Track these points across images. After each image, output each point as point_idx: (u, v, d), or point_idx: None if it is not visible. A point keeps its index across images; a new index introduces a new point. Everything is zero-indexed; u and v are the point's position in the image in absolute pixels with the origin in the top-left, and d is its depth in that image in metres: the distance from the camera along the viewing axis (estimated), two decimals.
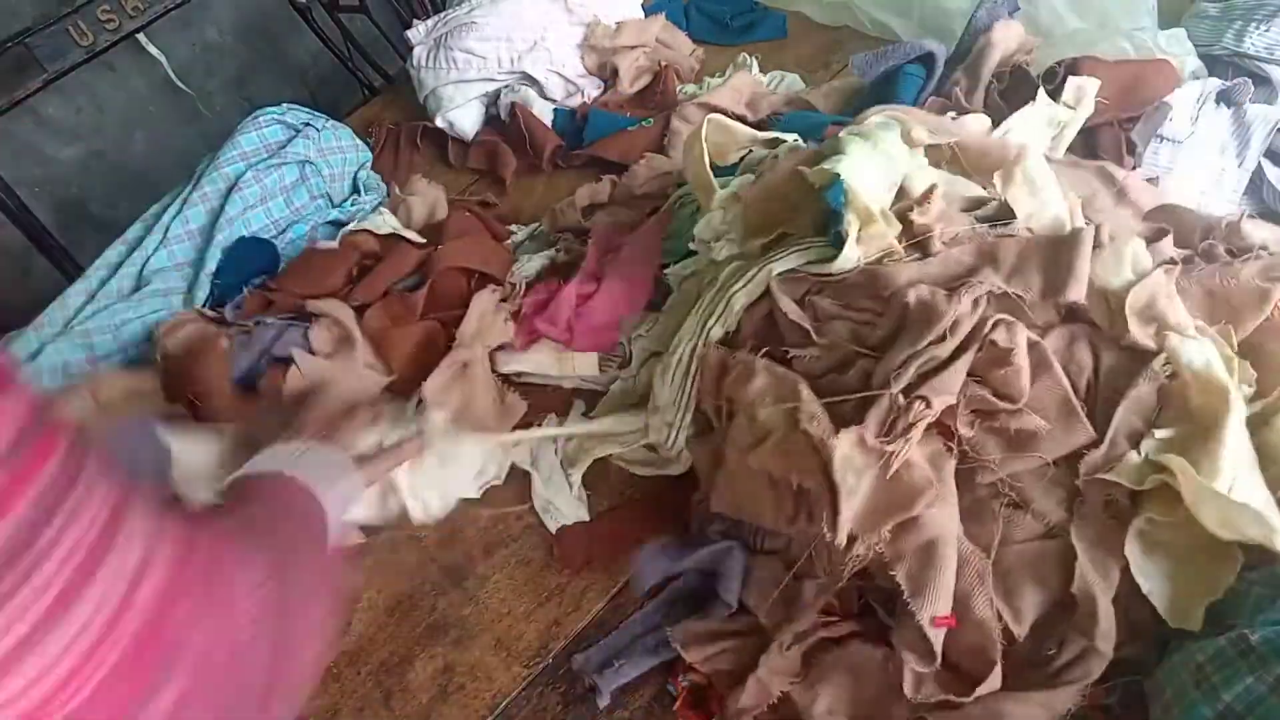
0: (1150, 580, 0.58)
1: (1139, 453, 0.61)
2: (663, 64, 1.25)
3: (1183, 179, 0.89)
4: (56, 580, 0.29)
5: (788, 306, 0.72)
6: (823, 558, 0.64)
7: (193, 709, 0.33)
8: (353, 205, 1.19)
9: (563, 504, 0.83)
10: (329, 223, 1.16)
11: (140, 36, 1.55)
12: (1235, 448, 0.60)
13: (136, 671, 0.31)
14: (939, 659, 0.57)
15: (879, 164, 0.70)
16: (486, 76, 1.26)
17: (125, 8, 1.39)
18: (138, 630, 0.31)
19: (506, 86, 1.28)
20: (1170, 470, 0.59)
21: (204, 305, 1.04)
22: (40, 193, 1.69)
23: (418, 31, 1.28)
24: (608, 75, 1.27)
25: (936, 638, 0.57)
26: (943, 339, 0.63)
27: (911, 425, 0.61)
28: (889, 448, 0.60)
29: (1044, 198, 0.74)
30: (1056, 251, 0.67)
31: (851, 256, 0.69)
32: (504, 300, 0.95)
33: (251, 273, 1.05)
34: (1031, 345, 0.64)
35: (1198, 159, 0.89)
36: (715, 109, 1.11)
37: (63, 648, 0.29)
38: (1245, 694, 0.50)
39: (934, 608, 0.57)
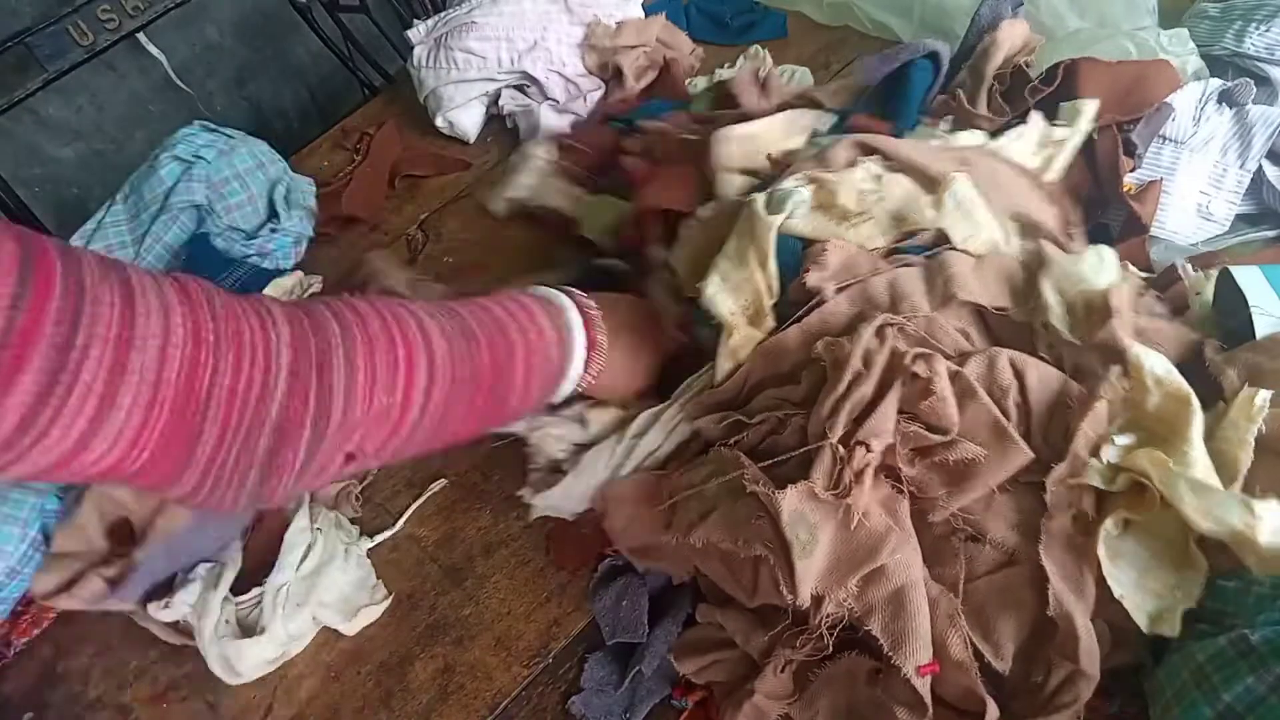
0: (1121, 586, 0.58)
1: (1100, 460, 0.61)
2: (667, 57, 1.25)
3: (1185, 180, 0.88)
4: (96, 384, 0.34)
5: (706, 425, 0.74)
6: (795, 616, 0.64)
7: (231, 443, 0.39)
8: (270, 232, 1.09)
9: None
10: (251, 268, 1.06)
11: (140, 36, 1.55)
12: (1203, 450, 0.60)
13: (181, 426, 0.37)
14: (930, 709, 0.57)
15: (736, 281, 0.74)
16: (487, 76, 1.26)
17: (125, 7, 1.40)
18: (174, 397, 0.37)
19: (507, 87, 1.28)
20: (1139, 469, 0.59)
21: None
22: (40, 193, 1.69)
23: (418, 31, 1.27)
24: (609, 75, 1.27)
25: (924, 687, 0.56)
26: (860, 377, 0.63)
27: (860, 473, 0.60)
28: (846, 500, 0.60)
29: (975, 220, 0.75)
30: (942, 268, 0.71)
31: (725, 367, 0.73)
32: None
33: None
34: (953, 375, 0.64)
35: (1200, 160, 0.89)
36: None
37: (118, 429, 0.36)
38: (1245, 694, 0.50)
39: (916, 658, 0.56)
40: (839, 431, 0.62)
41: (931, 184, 0.79)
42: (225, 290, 0.41)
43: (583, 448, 0.80)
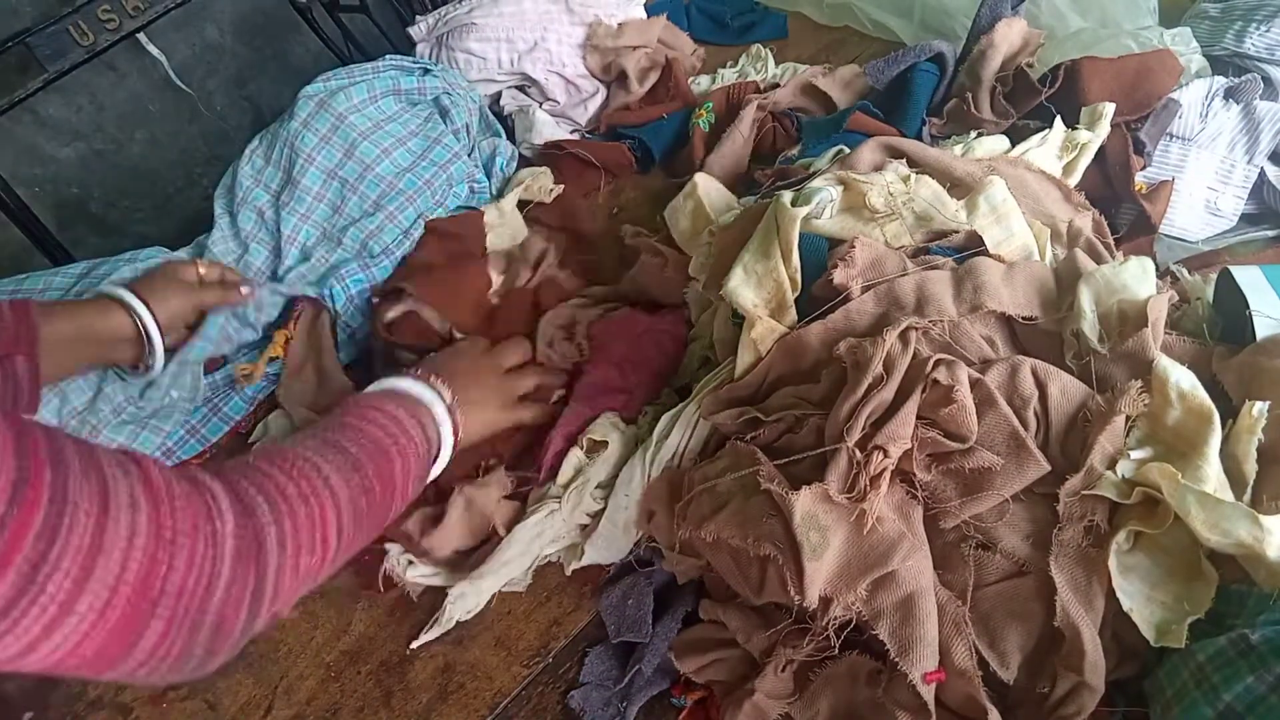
0: (1131, 599, 0.58)
1: (1115, 473, 0.61)
2: (669, 58, 1.25)
3: (1193, 176, 0.88)
4: (59, 595, 0.35)
5: (724, 420, 0.73)
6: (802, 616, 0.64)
7: (175, 636, 0.40)
8: (493, 160, 1.16)
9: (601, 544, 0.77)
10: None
11: (140, 36, 1.54)
12: (1217, 465, 0.60)
13: (131, 623, 0.38)
14: (933, 715, 0.57)
15: (760, 273, 0.74)
16: (487, 77, 1.26)
17: (125, 8, 1.39)
18: (130, 595, 0.38)
19: (508, 87, 1.28)
20: (1153, 482, 0.59)
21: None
22: (40, 192, 1.69)
23: (419, 29, 1.28)
24: (611, 76, 1.27)
25: (928, 694, 0.56)
26: (881, 381, 0.63)
27: (877, 477, 0.60)
28: (862, 504, 0.59)
29: (1009, 226, 0.75)
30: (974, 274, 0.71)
31: (746, 359, 0.73)
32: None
33: None
34: (974, 382, 0.63)
35: (1207, 156, 0.89)
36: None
37: (67, 633, 0.36)
38: (1245, 694, 0.50)
39: (923, 664, 0.56)
40: (856, 435, 0.61)
41: (960, 187, 0.78)
42: (174, 471, 0.43)
43: (608, 486, 0.78)
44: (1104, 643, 0.57)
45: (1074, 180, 0.85)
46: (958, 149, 0.86)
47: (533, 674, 0.74)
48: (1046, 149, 0.85)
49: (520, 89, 1.29)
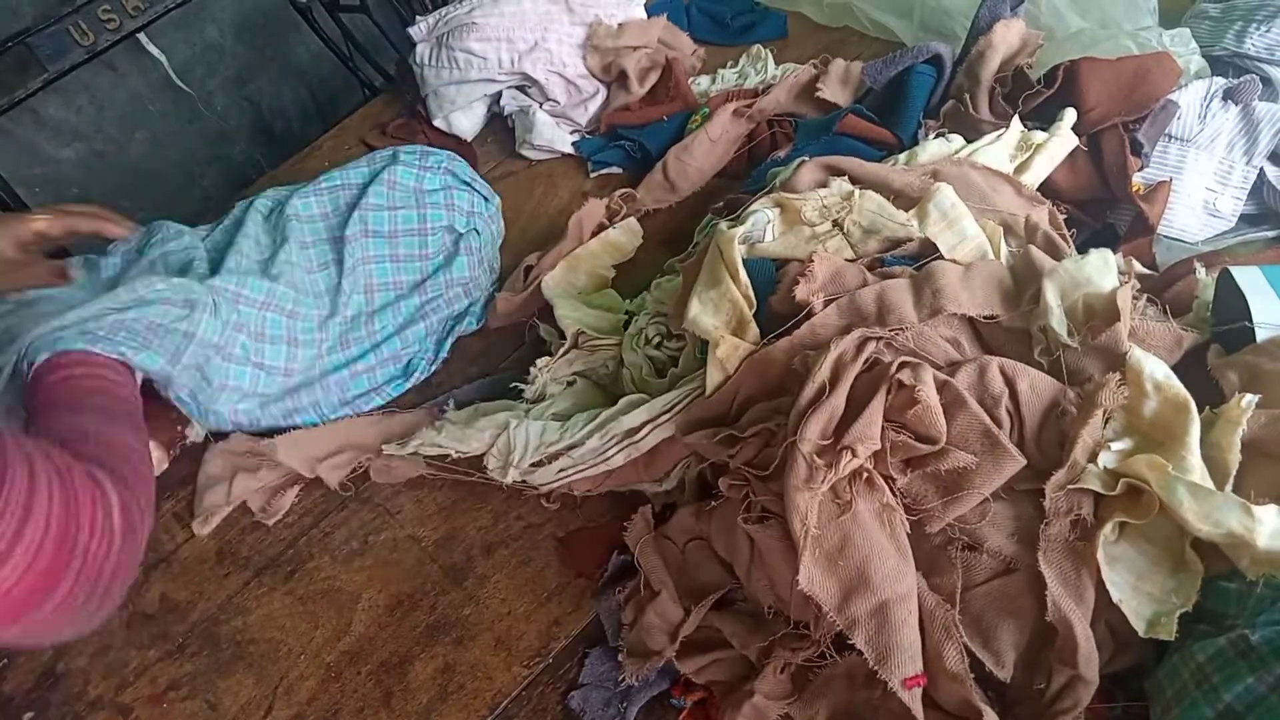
0: (1120, 590, 0.58)
1: (1097, 465, 0.61)
2: (669, 58, 1.25)
3: (1192, 177, 0.88)
4: (1, 542, 0.45)
5: (698, 441, 0.74)
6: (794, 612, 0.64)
7: (77, 588, 0.50)
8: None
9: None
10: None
11: (140, 36, 1.54)
12: (1198, 454, 0.60)
13: (52, 570, 0.48)
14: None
15: (714, 299, 0.76)
16: (487, 77, 1.26)
17: (125, 8, 1.39)
18: (52, 550, 0.48)
19: (509, 87, 1.28)
20: (1138, 474, 0.59)
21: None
22: (40, 193, 1.69)
23: (419, 29, 1.28)
24: (611, 76, 1.27)
25: (913, 700, 0.56)
26: (825, 390, 0.63)
27: (853, 476, 0.60)
28: (828, 494, 0.60)
29: (962, 230, 0.76)
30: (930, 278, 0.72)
31: (715, 377, 0.74)
32: None
33: None
34: (943, 385, 0.64)
35: (1206, 157, 0.89)
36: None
37: (11, 569, 0.46)
38: (1245, 694, 0.50)
39: (902, 670, 0.56)
40: (810, 442, 0.61)
41: (904, 198, 0.79)
42: (70, 460, 0.53)
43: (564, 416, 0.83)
44: (1097, 635, 0.58)
45: (1029, 178, 0.86)
46: (902, 157, 0.88)
47: (533, 674, 0.74)
48: (999, 147, 0.86)
49: (520, 89, 1.29)
